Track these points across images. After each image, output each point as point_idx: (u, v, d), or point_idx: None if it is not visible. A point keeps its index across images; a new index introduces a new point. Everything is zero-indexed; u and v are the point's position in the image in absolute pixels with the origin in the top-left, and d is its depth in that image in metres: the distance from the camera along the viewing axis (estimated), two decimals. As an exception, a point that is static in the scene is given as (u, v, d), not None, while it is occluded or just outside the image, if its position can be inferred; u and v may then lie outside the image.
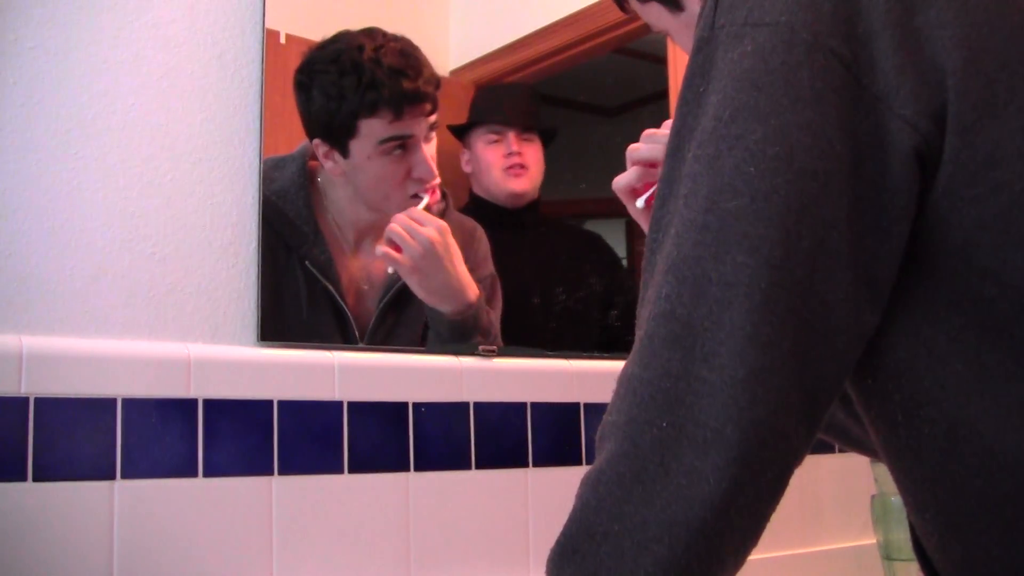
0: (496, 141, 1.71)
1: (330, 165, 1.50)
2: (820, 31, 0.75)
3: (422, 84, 1.50)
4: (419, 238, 1.48)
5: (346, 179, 1.51)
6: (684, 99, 0.79)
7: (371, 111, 1.46)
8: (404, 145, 1.49)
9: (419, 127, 1.50)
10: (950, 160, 0.74)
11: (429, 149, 1.52)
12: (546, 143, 1.76)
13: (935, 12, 0.76)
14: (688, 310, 0.72)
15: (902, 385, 0.78)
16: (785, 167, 0.72)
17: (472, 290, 1.54)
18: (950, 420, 0.75)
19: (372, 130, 1.47)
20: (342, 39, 1.49)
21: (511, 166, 1.71)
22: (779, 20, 0.75)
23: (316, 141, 1.49)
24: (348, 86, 1.46)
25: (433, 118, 1.52)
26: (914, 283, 0.77)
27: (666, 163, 0.79)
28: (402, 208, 1.50)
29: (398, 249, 1.48)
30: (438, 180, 1.53)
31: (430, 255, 1.49)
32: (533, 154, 1.74)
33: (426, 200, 1.51)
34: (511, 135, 1.72)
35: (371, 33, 1.50)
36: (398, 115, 1.47)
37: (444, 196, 1.62)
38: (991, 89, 0.75)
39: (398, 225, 1.48)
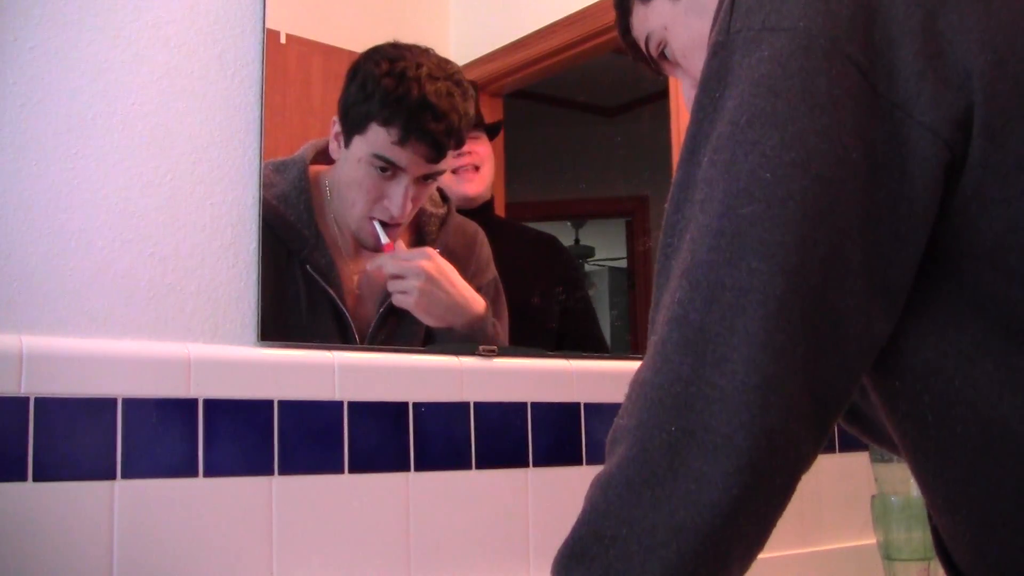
0: None
1: (333, 147, 1.50)
2: (838, 37, 0.74)
3: (441, 131, 1.48)
4: (412, 271, 1.50)
5: (336, 167, 1.51)
6: (700, 103, 0.78)
7: (384, 122, 1.46)
8: (391, 171, 1.48)
9: (414, 165, 1.48)
10: (978, 164, 0.74)
11: (417, 191, 1.51)
12: (492, 138, 1.74)
13: (957, 16, 0.75)
14: (701, 315, 0.72)
15: (931, 386, 0.77)
16: (801, 173, 0.72)
17: (478, 303, 1.55)
18: (983, 419, 0.75)
19: (376, 138, 1.47)
20: (416, 50, 1.50)
21: (462, 168, 1.69)
22: (797, 25, 0.74)
23: (335, 119, 1.50)
24: (382, 87, 1.47)
25: (434, 168, 1.51)
26: (937, 286, 0.77)
27: (680, 168, 0.79)
28: (359, 224, 1.50)
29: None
30: (403, 221, 1.51)
31: (429, 282, 1.50)
32: (483, 152, 1.72)
33: (384, 242, 1.50)
34: None
35: (440, 64, 1.51)
36: (402, 141, 1.46)
37: (446, 200, 1.61)
38: (1020, 90, 0.74)
39: (392, 270, 1.50)
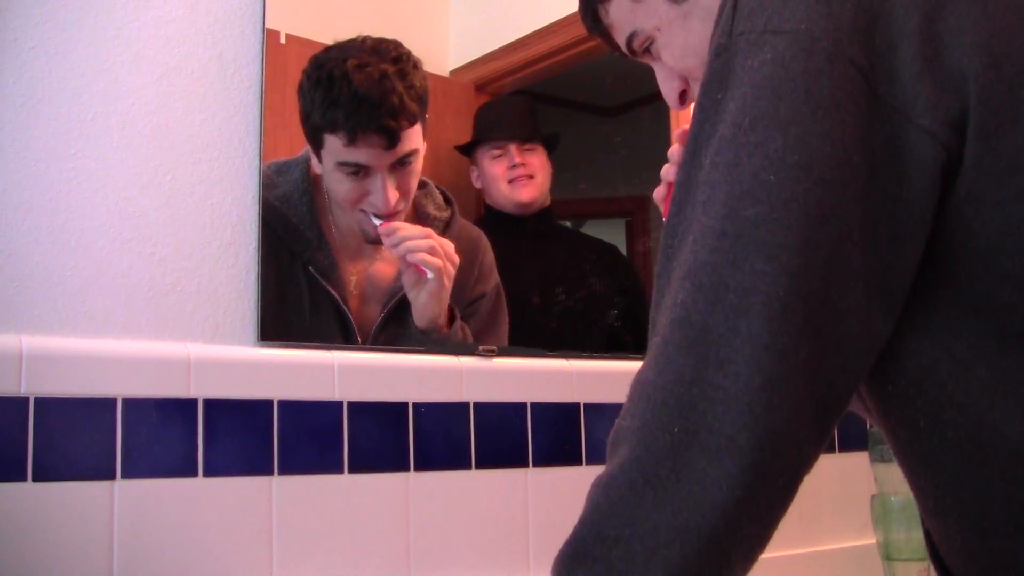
0: (499, 156, 1.73)
1: (315, 163, 1.49)
2: (840, 39, 0.74)
3: (383, 116, 1.45)
4: (435, 250, 1.49)
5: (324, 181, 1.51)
6: (701, 106, 0.79)
7: (331, 129, 1.45)
8: (360, 171, 1.46)
9: (375, 158, 1.46)
10: (972, 166, 0.74)
11: (398, 180, 1.49)
12: (550, 150, 1.77)
13: (955, 19, 0.76)
14: (704, 316, 0.72)
15: (924, 390, 0.78)
16: (805, 176, 0.72)
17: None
18: (974, 424, 0.76)
19: (332, 147, 1.46)
20: (348, 45, 1.48)
21: (516, 177, 1.73)
22: (799, 28, 0.75)
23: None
24: (317, 98, 1.45)
25: (398, 153, 1.47)
26: (933, 289, 0.77)
27: (682, 169, 0.79)
28: (363, 223, 1.49)
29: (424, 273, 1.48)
30: (400, 209, 1.50)
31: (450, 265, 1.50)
32: (537, 163, 1.76)
33: (378, 223, 1.48)
34: (512, 148, 1.73)
35: (375, 47, 1.48)
36: (352, 142, 1.44)
37: (450, 203, 1.61)
38: (1013, 94, 0.75)
39: (432, 247, 1.48)
